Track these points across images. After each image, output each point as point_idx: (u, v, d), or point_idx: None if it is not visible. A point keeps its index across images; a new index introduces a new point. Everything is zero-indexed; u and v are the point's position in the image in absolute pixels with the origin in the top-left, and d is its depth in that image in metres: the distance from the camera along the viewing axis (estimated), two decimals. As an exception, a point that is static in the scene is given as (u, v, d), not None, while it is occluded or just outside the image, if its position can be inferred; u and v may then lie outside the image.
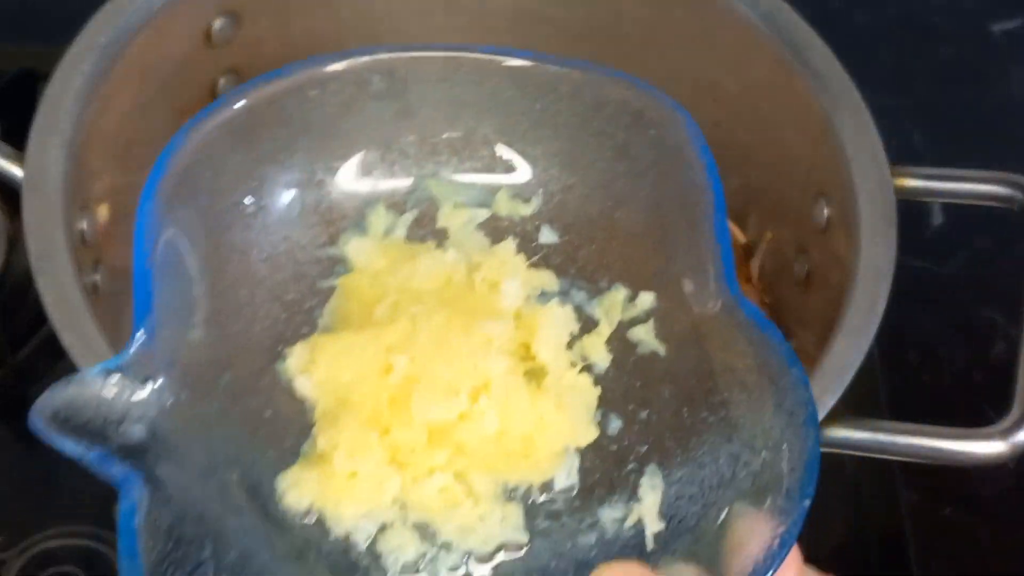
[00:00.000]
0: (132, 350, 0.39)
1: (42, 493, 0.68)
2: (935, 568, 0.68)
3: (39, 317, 0.70)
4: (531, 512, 0.40)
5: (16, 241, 0.72)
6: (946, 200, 0.64)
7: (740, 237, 0.72)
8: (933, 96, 0.90)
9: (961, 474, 0.69)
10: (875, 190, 0.60)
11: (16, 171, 0.57)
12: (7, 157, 0.58)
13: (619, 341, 0.42)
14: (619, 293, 0.43)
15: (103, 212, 0.62)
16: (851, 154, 0.61)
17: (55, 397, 0.37)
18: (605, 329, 0.42)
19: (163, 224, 0.41)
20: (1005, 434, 0.54)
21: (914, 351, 0.77)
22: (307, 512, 0.39)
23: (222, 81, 0.68)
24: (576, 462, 0.41)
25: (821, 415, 0.53)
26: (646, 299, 0.43)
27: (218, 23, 0.66)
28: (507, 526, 0.40)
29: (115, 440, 0.37)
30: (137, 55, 0.62)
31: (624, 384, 0.42)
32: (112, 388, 0.38)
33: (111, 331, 0.55)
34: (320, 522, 0.39)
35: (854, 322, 0.56)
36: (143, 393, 0.38)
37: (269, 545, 0.37)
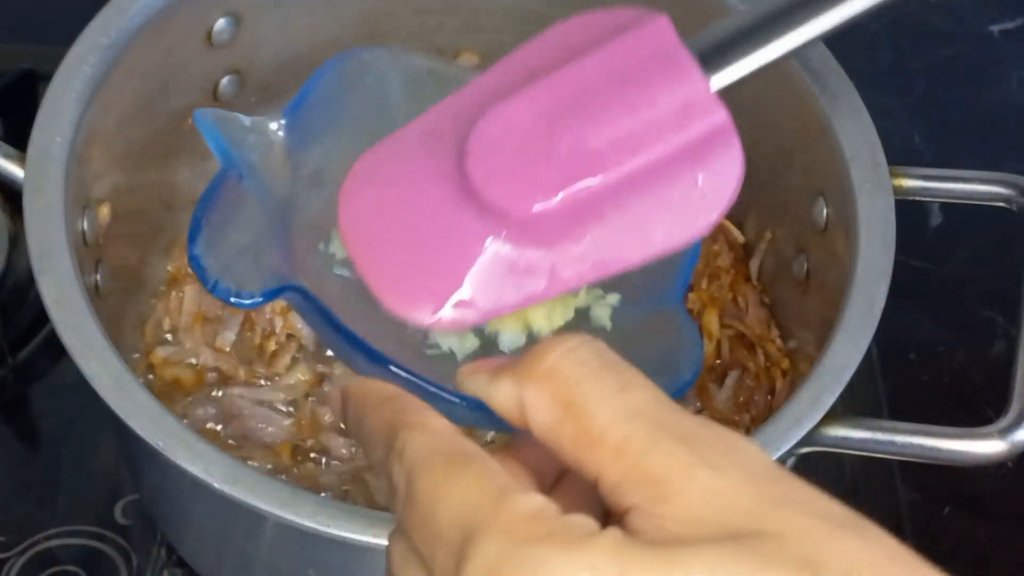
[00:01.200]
0: (273, 120, 0.53)
1: (42, 493, 0.68)
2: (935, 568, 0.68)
3: (40, 317, 0.71)
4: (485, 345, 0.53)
5: (17, 241, 0.72)
6: (945, 200, 0.64)
7: (739, 237, 0.72)
8: (933, 96, 0.90)
9: (961, 473, 0.69)
10: (874, 190, 0.60)
11: (17, 171, 0.57)
12: (8, 157, 0.58)
13: (582, 314, 0.55)
14: (597, 290, 0.56)
15: (104, 212, 0.62)
16: (850, 154, 0.61)
17: (215, 110, 0.51)
18: (580, 299, 0.54)
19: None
20: (1004, 433, 0.54)
21: (913, 351, 0.77)
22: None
23: (223, 82, 0.69)
24: (523, 341, 0.53)
25: (820, 415, 0.54)
26: (613, 297, 0.56)
27: (219, 24, 0.66)
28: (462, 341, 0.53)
29: (238, 150, 0.50)
30: (138, 56, 0.62)
31: (572, 328, 0.54)
32: (252, 123, 0.52)
33: (112, 330, 0.55)
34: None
35: (853, 321, 0.56)
36: (269, 138, 0.52)
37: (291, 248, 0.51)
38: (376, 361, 0.47)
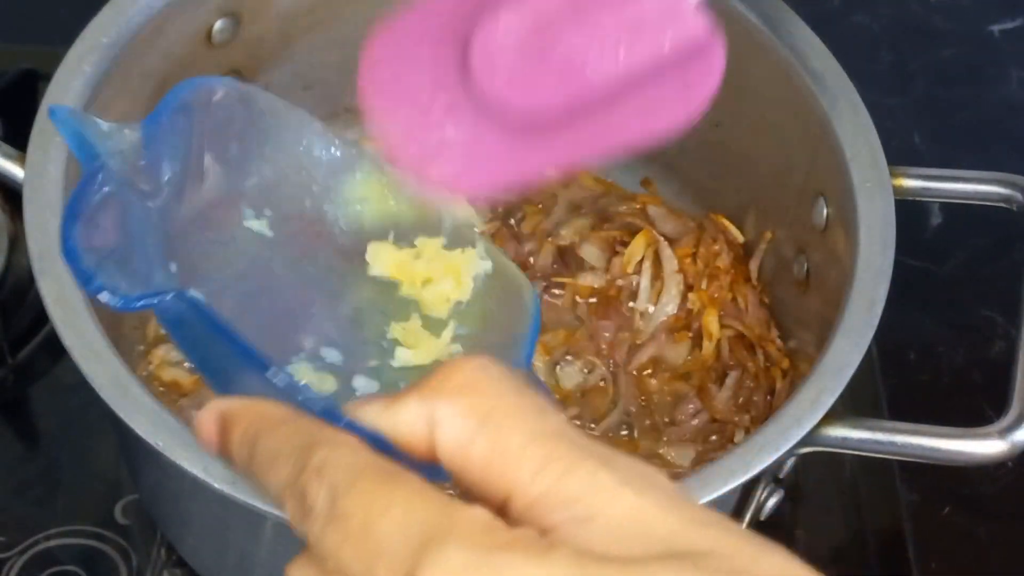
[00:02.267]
0: (131, 129, 0.50)
1: (42, 493, 0.68)
2: (935, 568, 0.68)
3: (39, 317, 0.71)
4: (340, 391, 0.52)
5: (17, 241, 0.72)
6: (945, 200, 0.64)
7: (739, 237, 0.72)
8: (933, 96, 0.90)
9: (961, 474, 0.69)
10: (874, 190, 0.60)
11: (17, 171, 0.57)
12: (8, 158, 0.58)
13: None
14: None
15: (104, 212, 0.62)
16: (850, 154, 0.61)
17: (72, 108, 0.50)
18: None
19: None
20: (1004, 433, 0.54)
21: (913, 351, 0.77)
22: None
23: (222, 81, 0.69)
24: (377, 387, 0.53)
25: (820, 415, 0.54)
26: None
27: (219, 24, 0.66)
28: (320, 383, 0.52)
29: (100, 152, 0.48)
30: (138, 56, 0.62)
31: None
32: (109, 129, 0.49)
33: (112, 330, 0.55)
34: None
35: (853, 322, 0.56)
36: (128, 146, 0.49)
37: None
38: (266, 374, 0.43)
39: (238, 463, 0.36)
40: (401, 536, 0.30)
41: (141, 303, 0.44)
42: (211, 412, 0.38)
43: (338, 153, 0.55)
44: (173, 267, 0.50)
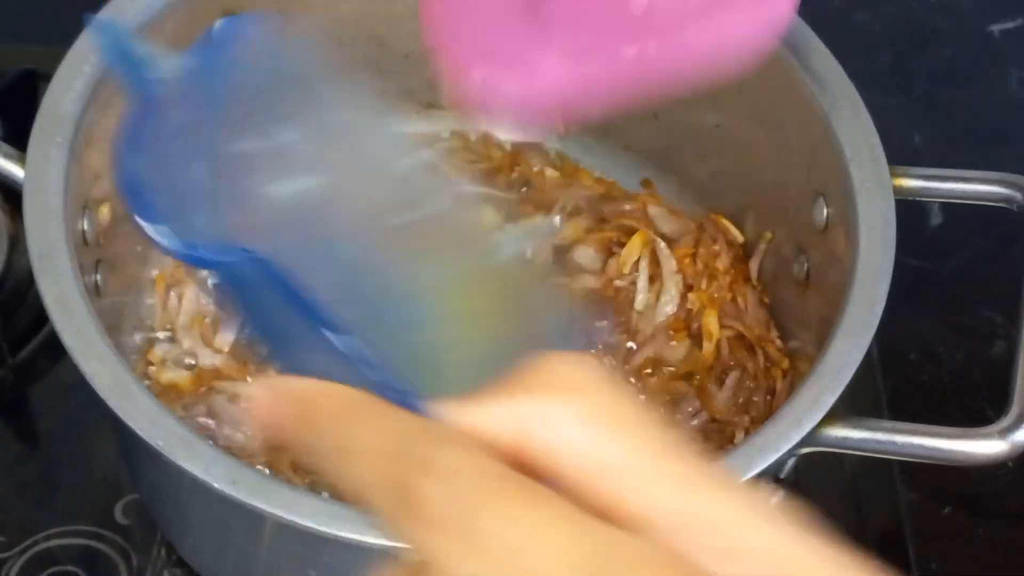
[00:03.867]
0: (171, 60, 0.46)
1: (42, 493, 0.68)
2: (935, 568, 0.68)
3: (39, 317, 0.71)
4: None
5: (17, 241, 0.72)
6: (945, 200, 0.64)
7: (738, 237, 0.72)
8: (933, 96, 0.90)
9: (961, 474, 0.69)
10: (874, 190, 0.60)
11: (17, 171, 0.57)
12: (8, 158, 0.58)
13: None
14: None
15: (104, 212, 0.62)
16: (850, 154, 0.61)
17: (117, 26, 0.45)
18: None
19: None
20: (1004, 433, 0.54)
21: (914, 351, 0.77)
22: None
23: (222, 81, 0.69)
24: None
25: (820, 415, 0.54)
26: None
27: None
28: None
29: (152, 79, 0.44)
30: (138, 55, 0.62)
31: None
32: (154, 53, 0.45)
33: (111, 331, 0.55)
34: None
35: (853, 322, 0.56)
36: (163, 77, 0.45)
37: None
38: (334, 338, 0.36)
39: (317, 448, 0.31)
40: (559, 562, 0.26)
41: (210, 257, 0.39)
42: (266, 394, 0.32)
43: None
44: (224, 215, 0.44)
